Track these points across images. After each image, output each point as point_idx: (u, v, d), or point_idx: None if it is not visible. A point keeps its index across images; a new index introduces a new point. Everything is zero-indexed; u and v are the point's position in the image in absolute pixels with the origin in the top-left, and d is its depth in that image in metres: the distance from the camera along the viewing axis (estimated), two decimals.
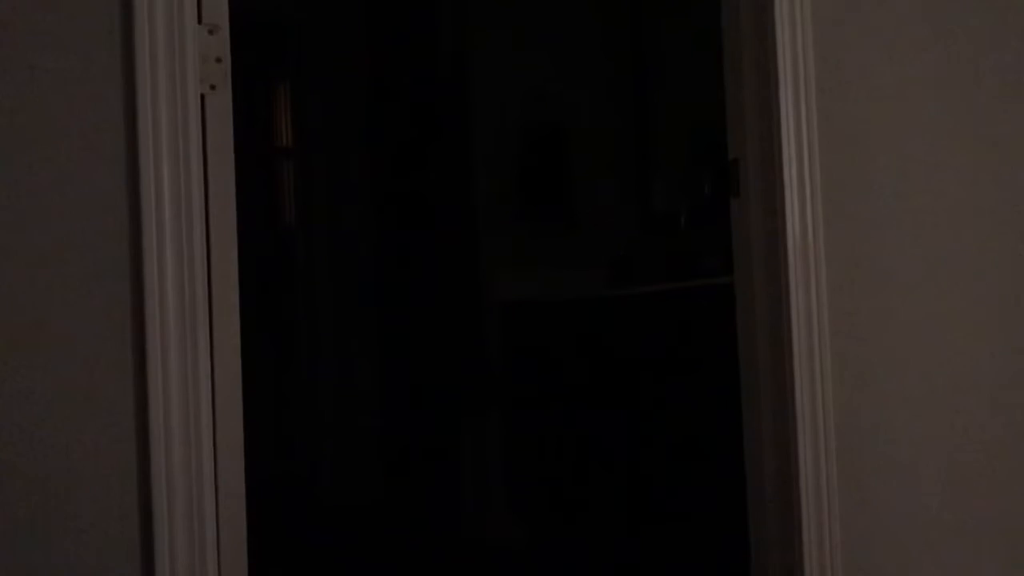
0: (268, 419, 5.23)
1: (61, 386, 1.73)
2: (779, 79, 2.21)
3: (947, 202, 2.32)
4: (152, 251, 1.77)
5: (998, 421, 2.34)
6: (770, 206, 2.25)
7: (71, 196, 1.75)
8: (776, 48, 2.21)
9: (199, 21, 1.84)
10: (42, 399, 1.72)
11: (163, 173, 1.78)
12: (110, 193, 1.77)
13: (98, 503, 1.74)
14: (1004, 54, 2.38)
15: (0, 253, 1.70)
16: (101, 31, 1.77)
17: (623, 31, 4.75)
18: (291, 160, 5.51)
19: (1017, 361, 2.37)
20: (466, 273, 4.60)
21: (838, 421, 2.22)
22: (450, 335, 4.68)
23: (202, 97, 1.84)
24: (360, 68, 5.30)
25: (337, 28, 5.37)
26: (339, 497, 5.23)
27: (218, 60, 1.85)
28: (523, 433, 4.38)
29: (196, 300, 1.79)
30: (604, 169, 4.69)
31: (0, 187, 1.71)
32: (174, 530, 1.76)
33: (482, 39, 4.60)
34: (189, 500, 1.78)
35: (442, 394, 4.73)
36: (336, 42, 5.37)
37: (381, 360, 5.21)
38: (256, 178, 5.33)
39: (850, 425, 2.23)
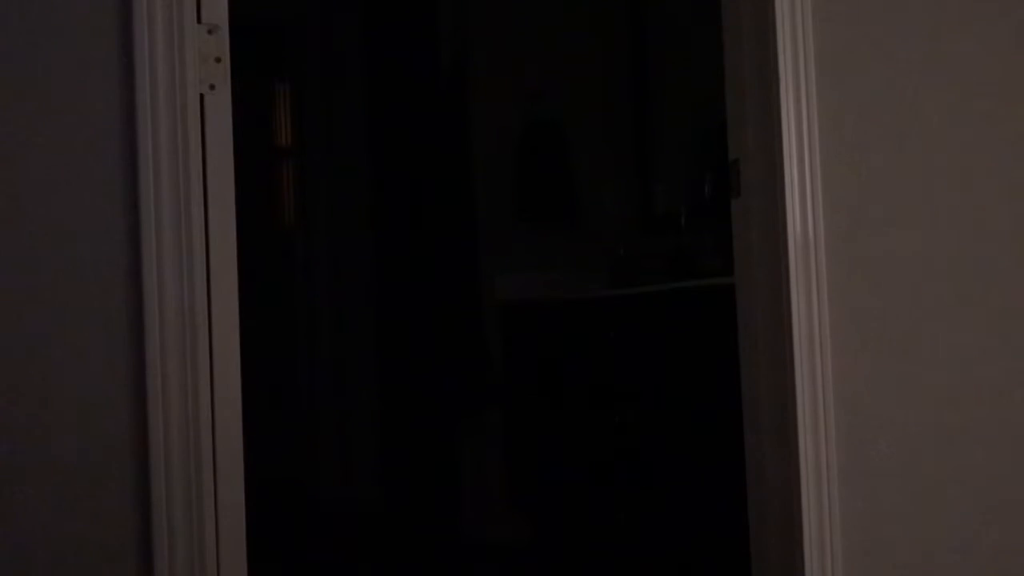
0: (268, 419, 5.23)
1: (59, 387, 1.73)
2: (780, 78, 2.21)
3: (950, 201, 2.32)
4: (151, 251, 1.77)
5: (1003, 418, 2.34)
6: (770, 206, 2.25)
7: (71, 197, 1.75)
8: (777, 47, 2.21)
9: (198, 21, 1.84)
10: (41, 400, 1.72)
11: (162, 173, 1.78)
12: (110, 193, 1.76)
13: (96, 504, 1.74)
14: (1008, 51, 2.38)
15: None
16: (100, 31, 1.77)
17: (623, 31, 4.75)
18: (291, 160, 5.51)
19: (1021, 360, 2.36)
20: (466, 273, 4.60)
21: (839, 421, 2.21)
22: (450, 335, 4.68)
23: (202, 97, 1.83)
24: (360, 68, 5.30)
25: (337, 28, 5.37)
26: (338, 497, 5.23)
27: (218, 60, 1.85)
28: (523, 433, 4.37)
29: (195, 300, 1.79)
30: (604, 169, 4.69)
31: (0, 188, 1.71)
32: (173, 532, 1.76)
33: (482, 39, 4.60)
34: (188, 501, 1.77)
35: (442, 394, 4.73)
36: (336, 42, 5.37)
37: (380, 360, 5.21)
38: (256, 178, 5.33)
39: (852, 425, 2.23)
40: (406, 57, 5.06)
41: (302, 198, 5.45)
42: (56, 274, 1.74)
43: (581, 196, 4.64)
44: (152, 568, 1.74)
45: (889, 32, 2.30)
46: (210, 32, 1.85)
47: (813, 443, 2.18)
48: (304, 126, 5.44)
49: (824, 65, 2.25)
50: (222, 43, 1.86)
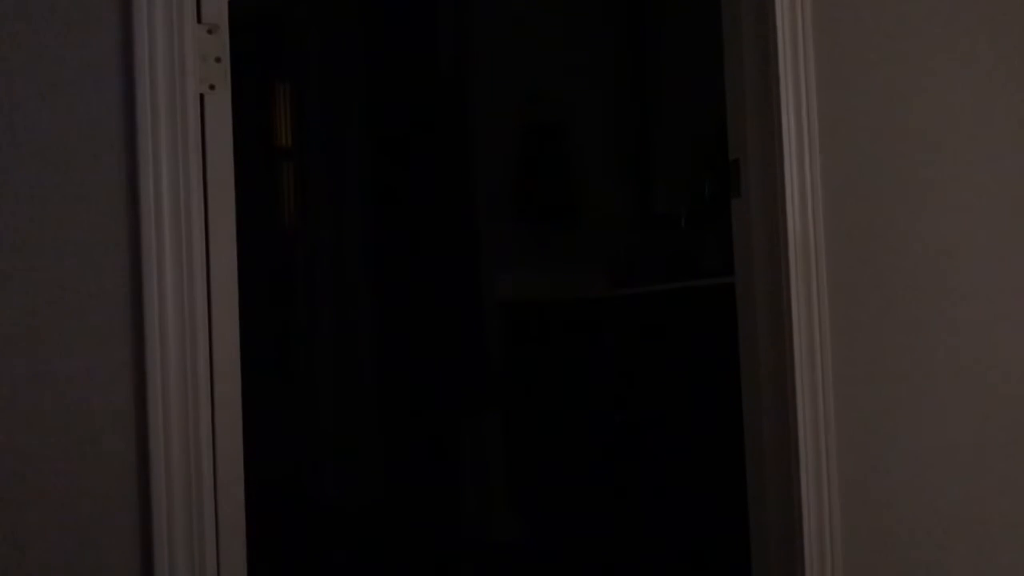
0: (268, 419, 5.23)
1: (60, 388, 1.73)
2: (780, 79, 2.21)
3: (949, 201, 2.32)
4: (151, 251, 1.77)
5: (1006, 421, 2.34)
6: (770, 206, 2.25)
7: (71, 197, 1.75)
8: (777, 48, 2.21)
9: (198, 21, 1.84)
10: (41, 400, 1.72)
11: (162, 173, 1.78)
12: (109, 193, 1.76)
13: (96, 505, 1.74)
14: (1009, 48, 2.38)
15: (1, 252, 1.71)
16: (100, 30, 1.77)
17: (623, 31, 4.75)
18: (291, 160, 5.51)
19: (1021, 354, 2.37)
20: (466, 273, 4.60)
21: (839, 421, 2.22)
22: (450, 335, 4.68)
23: (201, 97, 1.83)
24: (360, 68, 5.30)
25: (337, 28, 5.37)
26: (339, 497, 5.22)
27: (217, 60, 1.85)
28: (523, 433, 4.38)
29: (195, 301, 1.79)
30: (605, 169, 4.69)
31: (1, 188, 1.72)
32: (172, 532, 1.76)
33: (482, 39, 4.60)
34: (188, 501, 1.77)
35: (442, 394, 4.73)
36: (336, 42, 5.37)
37: (381, 360, 5.21)
38: (256, 178, 5.33)
39: (851, 425, 2.23)
40: (406, 57, 5.06)
41: (302, 198, 5.45)
42: (56, 275, 1.74)
43: (581, 196, 4.64)
44: (152, 568, 1.74)
45: (889, 33, 2.31)
46: (210, 32, 1.85)
47: (813, 441, 2.19)
48: (304, 126, 5.44)
49: (824, 65, 2.25)
50: (222, 43, 1.86)
